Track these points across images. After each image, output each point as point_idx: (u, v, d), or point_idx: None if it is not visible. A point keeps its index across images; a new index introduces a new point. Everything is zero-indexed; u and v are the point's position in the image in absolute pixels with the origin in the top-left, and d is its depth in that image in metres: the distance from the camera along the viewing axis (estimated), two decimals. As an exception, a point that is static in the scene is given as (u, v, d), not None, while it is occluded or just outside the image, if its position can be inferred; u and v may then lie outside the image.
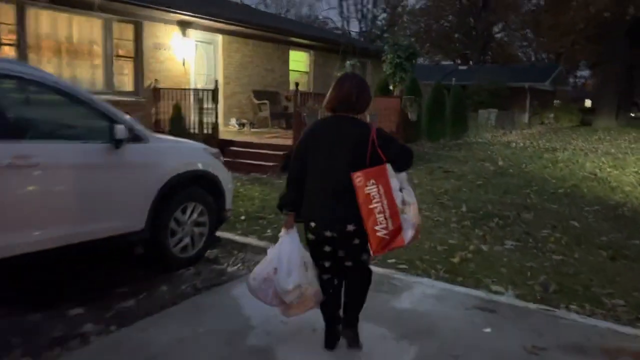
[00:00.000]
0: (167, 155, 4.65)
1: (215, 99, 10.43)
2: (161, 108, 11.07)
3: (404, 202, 2.98)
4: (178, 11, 10.83)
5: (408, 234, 2.96)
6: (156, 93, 11.11)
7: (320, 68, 16.38)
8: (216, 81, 10.56)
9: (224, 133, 11.68)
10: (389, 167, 2.95)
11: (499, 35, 50.38)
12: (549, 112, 32.47)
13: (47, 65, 9.36)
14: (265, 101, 13.36)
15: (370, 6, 53.11)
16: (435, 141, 16.33)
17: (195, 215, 4.86)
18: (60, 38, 9.60)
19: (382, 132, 3.01)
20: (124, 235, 4.31)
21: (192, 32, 11.97)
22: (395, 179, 2.97)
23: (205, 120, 10.61)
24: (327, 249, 3.09)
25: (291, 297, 3.04)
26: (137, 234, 4.39)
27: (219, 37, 12.78)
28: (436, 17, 50.54)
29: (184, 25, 11.68)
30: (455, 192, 8.85)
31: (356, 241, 3.01)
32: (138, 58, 10.88)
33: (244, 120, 13.24)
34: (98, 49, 10.18)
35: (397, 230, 2.93)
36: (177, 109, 9.95)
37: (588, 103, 41.67)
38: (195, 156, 4.96)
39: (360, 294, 3.21)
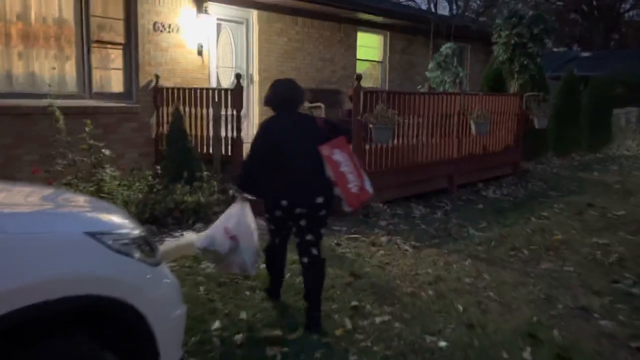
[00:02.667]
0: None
1: (235, 103, 7.78)
2: (165, 117, 8.57)
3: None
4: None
5: (367, 185, 4.05)
6: (158, 95, 8.63)
7: (400, 56, 13.42)
8: (237, 76, 7.88)
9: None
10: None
11: (629, 14, 45.06)
12: None
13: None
14: (320, 104, 10.57)
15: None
16: (566, 155, 12.92)
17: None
18: (10, 16, 7.33)
19: (322, 119, 4.57)
20: None
21: (212, 7, 9.43)
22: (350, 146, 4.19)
23: (225, 134, 8.00)
24: (290, 223, 4.07)
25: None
26: None
27: (254, 14, 10.17)
28: (546, -6, 46.21)
29: (201, -3, 9.18)
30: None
31: (322, 212, 3.97)
32: (130, 45, 8.46)
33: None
34: (69, 31, 7.84)
35: (362, 184, 4.00)
36: (177, 118, 7.37)
37: None
38: (62, 262, 2.17)
39: (320, 277, 4.05)
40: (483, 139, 9.06)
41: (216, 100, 7.97)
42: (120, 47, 8.46)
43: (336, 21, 11.65)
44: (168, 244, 5.80)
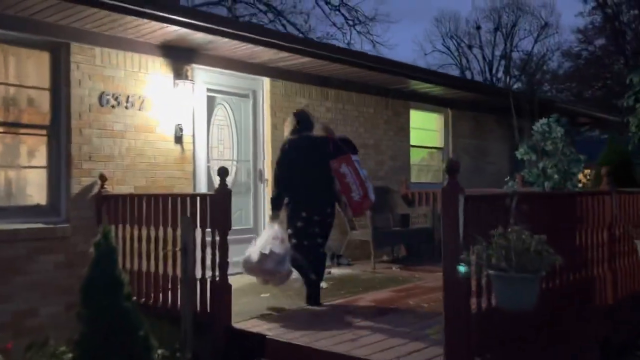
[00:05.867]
0: None
1: (217, 219, 4.29)
2: (119, 244, 5.10)
3: (365, 177, 4.97)
4: (163, 14, 5.04)
5: (372, 196, 4.97)
6: (103, 207, 5.22)
7: (467, 141, 9.91)
8: (221, 173, 4.41)
9: (258, 302, 5.36)
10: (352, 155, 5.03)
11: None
12: None
13: None
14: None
15: (500, 74, 47.06)
16: None
17: None
18: None
19: (332, 140, 5.09)
20: None
21: (200, 73, 6.21)
22: (357, 162, 5.01)
23: (202, 273, 4.47)
24: (316, 229, 4.88)
25: (283, 277, 4.78)
26: None
27: (264, 84, 6.91)
28: (588, 82, 42.92)
29: (179, 56, 5.96)
30: None
31: (329, 219, 5.00)
32: (59, 128, 5.19)
33: (320, 252, 6.97)
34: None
35: (365, 194, 4.87)
36: (103, 254, 3.83)
37: None
38: None
39: (322, 267, 5.11)
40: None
41: (188, 214, 4.49)
42: (43, 132, 5.18)
43: (382, 94, 8.30)
44: None
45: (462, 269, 7.36)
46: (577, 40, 32.70)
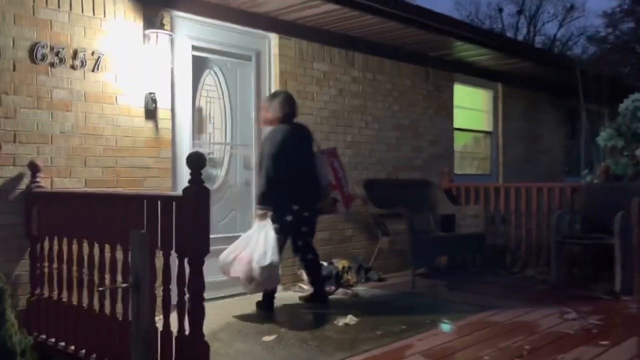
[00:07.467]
0: None
1: (187, 235, 2.61)
2: (51, 263, 3.46)
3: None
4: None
5: (350, 189, 4.86)
6: (34, 210, 3.58)
7: (519, 123, 8.11)
8: (193, 160, 2.72)
9: (259, 353, 3.69)
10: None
11: None
12: None
13: None
14: (400, 209, 5.31)
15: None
16: None
17: None
18: None
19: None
20: None
21: (183, 24, 4.53)
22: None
23: (164, 324, 2.79)
24: (304, 228, 4.40)
25: (264, 274, 3.98)
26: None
27: (272, 42, 5.19)
28: (615, 67, 40.94)
29: None
30: None
31: (315, 218, 4.50)
32: (-32, 94, 3.57)
33: (343, 264, 5.29)
34: None
35: (348, 188, 4.75)
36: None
37: None
38: None
39: (320, 266, 4.63)
40: None
41: (144, 227, 2.83)
42: (-56, 99, 3.53)
43: (420, 62, 6.55)
44: None
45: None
46: (604, 24, 30.47)
